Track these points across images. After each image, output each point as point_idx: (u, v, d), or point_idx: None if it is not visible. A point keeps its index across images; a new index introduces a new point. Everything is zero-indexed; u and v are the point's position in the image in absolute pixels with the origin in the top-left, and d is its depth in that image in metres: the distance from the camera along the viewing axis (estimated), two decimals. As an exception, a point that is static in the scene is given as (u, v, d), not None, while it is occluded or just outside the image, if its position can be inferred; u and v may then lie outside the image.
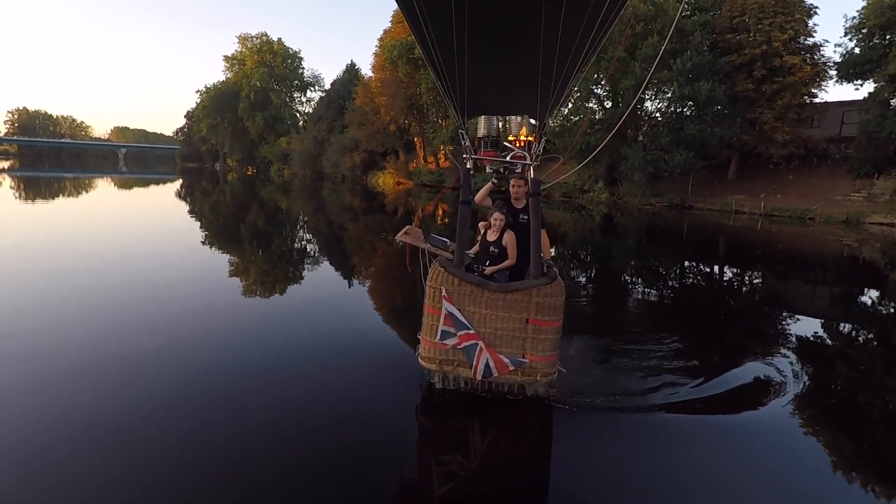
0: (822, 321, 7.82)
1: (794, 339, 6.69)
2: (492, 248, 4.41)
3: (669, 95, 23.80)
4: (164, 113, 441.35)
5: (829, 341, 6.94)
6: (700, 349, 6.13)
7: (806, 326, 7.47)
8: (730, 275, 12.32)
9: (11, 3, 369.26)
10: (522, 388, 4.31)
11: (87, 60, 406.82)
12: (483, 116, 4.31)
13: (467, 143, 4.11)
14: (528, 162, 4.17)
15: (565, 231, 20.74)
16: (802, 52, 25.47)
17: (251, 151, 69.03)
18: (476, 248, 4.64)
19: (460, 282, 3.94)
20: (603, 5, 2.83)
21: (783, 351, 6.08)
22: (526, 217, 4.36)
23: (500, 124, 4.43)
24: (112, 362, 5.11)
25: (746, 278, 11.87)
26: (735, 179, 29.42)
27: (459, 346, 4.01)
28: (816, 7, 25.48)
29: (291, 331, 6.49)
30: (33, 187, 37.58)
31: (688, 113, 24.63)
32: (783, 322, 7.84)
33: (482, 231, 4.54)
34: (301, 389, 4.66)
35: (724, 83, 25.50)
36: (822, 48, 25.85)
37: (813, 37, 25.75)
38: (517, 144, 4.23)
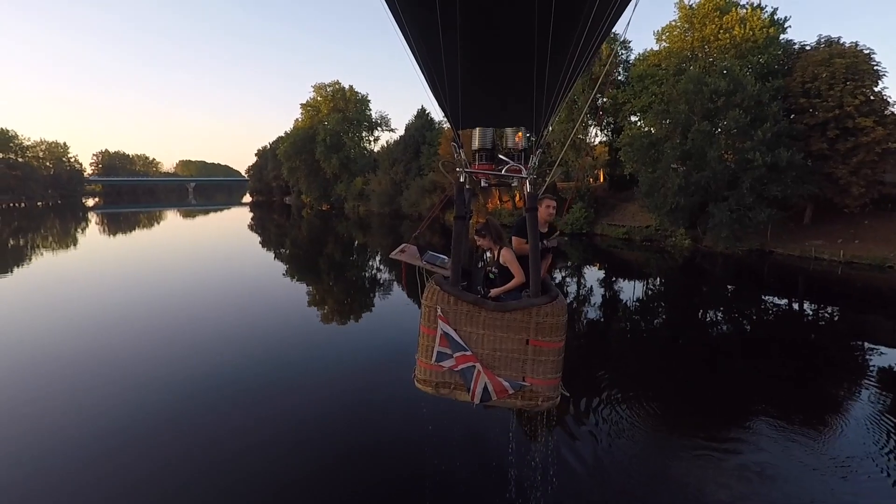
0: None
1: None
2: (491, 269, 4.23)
3: (755, 163, 26.85)
4: (220, 145, 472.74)
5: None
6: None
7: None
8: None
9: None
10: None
11: (145, 99, 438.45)
12: (478, 128, 4.15)
13: (461, 155, 3.98)
14: (524, 175, 4.02)
15: (650, 271, 24.25)
16: (874, 115, 27.99)
17: (326, 189, 74.97)
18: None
19: (456, 300, 3.83)
20: (592, 10, 2.78)
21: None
22: (545, 242, 4.16)
23: (496, 136, 4.29)
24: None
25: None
26: (811, 224, 32.02)
27: (456, 369, 3.88)
28: (885, 70, 28.12)
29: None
30: (128, 223, 46.58)
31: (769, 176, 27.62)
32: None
33: (480, 251, 4.42)
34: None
35: (800, 140, 28.36)
36: (893, 107, 28.38)
37: (884, 98, 28.31)
38: (516, 145, 4.14)
